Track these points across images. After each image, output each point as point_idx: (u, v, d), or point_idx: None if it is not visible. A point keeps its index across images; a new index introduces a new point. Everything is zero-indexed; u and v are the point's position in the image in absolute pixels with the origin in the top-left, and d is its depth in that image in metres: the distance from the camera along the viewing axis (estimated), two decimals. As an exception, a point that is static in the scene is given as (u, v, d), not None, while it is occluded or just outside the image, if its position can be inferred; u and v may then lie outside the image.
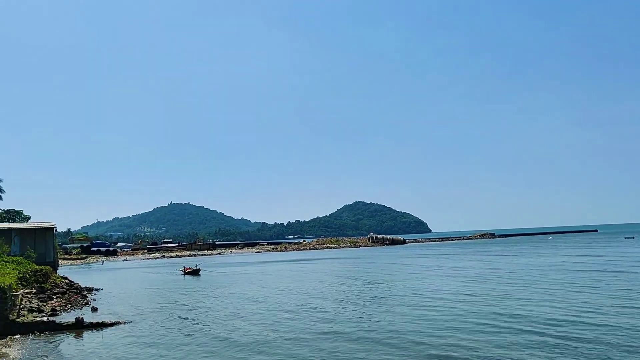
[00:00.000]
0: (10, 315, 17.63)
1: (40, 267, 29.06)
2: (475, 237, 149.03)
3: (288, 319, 19.44)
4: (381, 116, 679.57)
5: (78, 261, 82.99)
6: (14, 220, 75.97)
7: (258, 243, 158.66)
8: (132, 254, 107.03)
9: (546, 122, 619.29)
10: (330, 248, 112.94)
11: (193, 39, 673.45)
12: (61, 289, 27.89)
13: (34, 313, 20.23)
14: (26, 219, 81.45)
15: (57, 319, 19.05)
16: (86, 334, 17.42)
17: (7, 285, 17.42)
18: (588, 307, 19.71)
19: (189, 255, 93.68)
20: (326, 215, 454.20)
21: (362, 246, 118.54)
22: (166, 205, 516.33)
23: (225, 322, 19.25)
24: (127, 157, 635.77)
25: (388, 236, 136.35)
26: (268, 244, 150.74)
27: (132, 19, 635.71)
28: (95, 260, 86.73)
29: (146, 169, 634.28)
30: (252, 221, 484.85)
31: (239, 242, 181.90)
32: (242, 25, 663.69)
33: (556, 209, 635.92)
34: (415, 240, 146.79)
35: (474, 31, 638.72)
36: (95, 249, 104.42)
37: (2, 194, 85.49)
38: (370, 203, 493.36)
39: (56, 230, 41.97)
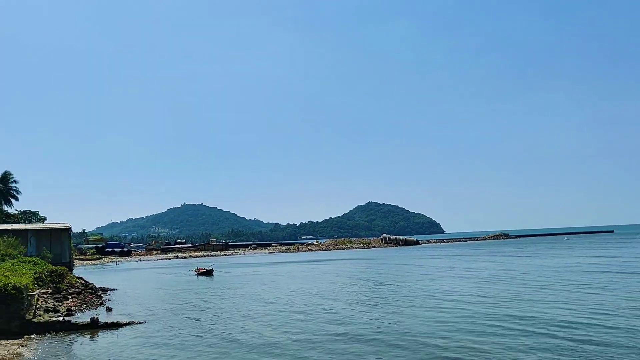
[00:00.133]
0: (27, 315, 17.89)
1: (56, 268, 29.41)
2: (489, 238, 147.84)
3: (299, 320, 19.49)
4: (394, 116, 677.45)
5: (93, 262, 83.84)
6: (30, 221, 77.02)
7: (271, 244, 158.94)
8: (146, 255, 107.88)
9: (560, 122, 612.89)
10: (343, 249, 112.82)
11: (200, 40, 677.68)
12: (76, 289, 28.21)
13: (50, 313, 20.50)
14: (42, 220, 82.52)
15: (73, 319, 19.28)
16: (101, 334, 17.63)
17: (23, 285, 17.68)
18: (603, 309, 19.49)
19: (202, 256, 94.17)
20: (339, 216, 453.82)
21: (375, 247, 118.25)
22: (179, 206, 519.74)
23: (236, 323, 19.36)
24: (140, 159, 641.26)
25: (401, 237, 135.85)
26: (281, 244, 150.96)
27: (140, 20, 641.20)
28: (109, 260, 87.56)
29: (159, 170, 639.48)
30: (265, 222, 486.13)
31: (251, 242, 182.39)
32: (249, 26, 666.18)
33: (572, 209, 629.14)
34: (429, 241, 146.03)
35: (485, 30, 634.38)
36: (109, 249, 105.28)
37: (18, 196, 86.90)
38: (383, 204, 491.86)
39: (71, 231, 42.48)
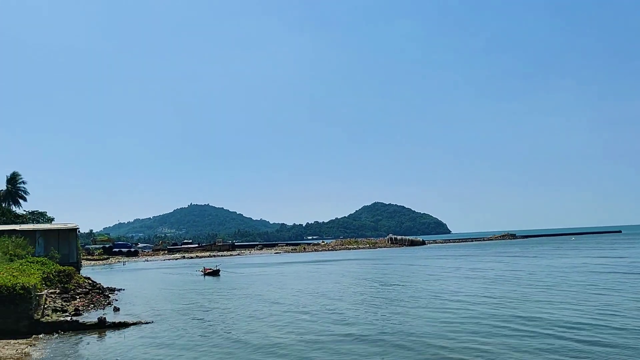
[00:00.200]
0: (35, 314, 18.05)
1: (64, 268, 29.62)
2: (496, 238, 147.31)
3: (304, 321, 19.54)
4: (400, 116, 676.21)
5: (100, 262, 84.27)
6: (38, 222, 77.53)
7: (277, 244, 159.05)
8: (153, 255, 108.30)
9: (567, 121, 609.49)
10: (349, 249, 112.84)
11: (206, 40, 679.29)
12: (84, 289, 28.41)
13: (58, 313, 20.66)
14: (50, 220, 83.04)
15: (80, 319, 19.43)
16: (108, 334, 17.76)
17: (31, 285, 17.84)
18: (610, 310, 19.41)
19: (208, 256, 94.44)
20: (345, 216, 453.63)
21: (381, 247, 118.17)
22: (186, 206, 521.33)
23: (242, 324, 19.44)
24: (147, 159, 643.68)
25: (407, 237, 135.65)
26: (287, 244, 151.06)
27: (147, 20, 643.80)
28: (117, 260, 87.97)
29: (166, 170, 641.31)
30: (271, 222, 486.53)
31: (258, 243, 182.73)
32: (255, 27, 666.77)
33: (579, 209, 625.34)
34: (435, 241, 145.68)
35: (491, 30, 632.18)
36: (117, 249, 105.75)
37: (26, 196, 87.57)
38: (389, 204, 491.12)
39: (79, 232, 42.74)
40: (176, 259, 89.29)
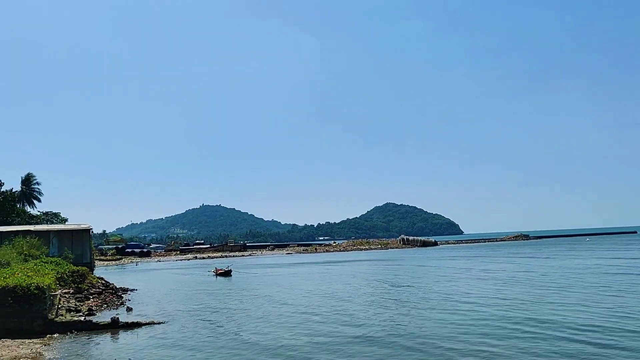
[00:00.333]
0: (50, 314, 18.27)
1: (78, 268, 29.97)
2: (509, 239, 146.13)
3: (314, 322, 19.55)
4: (410, 116, 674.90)
5: (113, 262, 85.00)
6: (52, 222, 78.49)
7: (288, 244, 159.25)
8: (165, 255, 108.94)
9: (582, 121, 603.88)
10: (361, 250, 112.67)
11: (216, 42, 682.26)
12: (97, 289, 28.67)
13: (72, 312, 20.88)
14: (64, 221, 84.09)
15: (94, 319, 19.62)
16: (121, 334, 17.92)
17: (46, 286, 18.07)
18: (625, 312, 19.17)
19: (220, 257, 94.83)
20: (356, 217, 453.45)
21: (392, 248, 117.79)
22: (198, 207, 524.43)
23: (252, 325, 19.50)
24: (159, 160, 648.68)
25: (419, 238, 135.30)
26: (298, 245, 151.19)
27: (160, 22, 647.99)
28: (129, 261, 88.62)
29: (178, 171, 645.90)
30: (283, 223, 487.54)
31: (269, 243, 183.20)
32: (265, 28, 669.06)
33: (593, 210, 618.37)
34: (447, 242, 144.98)
35: (503, 29, 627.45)
36: (129, 250, 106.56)
37: (40, 197, 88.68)
38: (401, 204, 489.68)
39: (92, 232, 43.14)
40: (188, 260, 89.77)
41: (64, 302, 22.50)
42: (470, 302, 23.21)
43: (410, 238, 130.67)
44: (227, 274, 47.07)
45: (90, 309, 22.49)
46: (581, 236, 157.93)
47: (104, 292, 28.76)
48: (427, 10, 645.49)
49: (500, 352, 13.69)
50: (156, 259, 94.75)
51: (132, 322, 19.47)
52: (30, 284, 17.38)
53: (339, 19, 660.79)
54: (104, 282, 32.67)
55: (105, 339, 17.18)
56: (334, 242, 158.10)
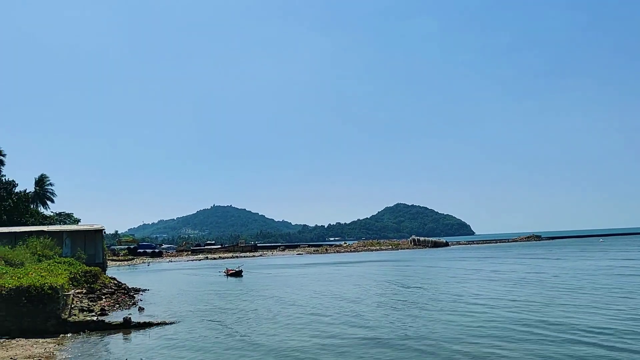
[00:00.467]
0: (63, 314, 18.50)
1: (90, 268, 30.29)
2: (520, 240, 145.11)
3: (323, 324, 19.58)
4: (421, 116, 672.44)
5: (125, 262, 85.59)
6: (65, 223, 79.38)
7: (299, 245, 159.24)
8: (177, 256, 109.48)
9: (595, 122, 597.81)
10: (371, 250, 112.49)
11: (228, 42, 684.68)
12: (110, 290, 28.97)
13: (85, 312, 21.14)
14: (76, 221, 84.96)
15: (106, 319, 19.85)
16: (133, 334, 18.11)
17: (59, 285, 18.31)
18: (637, 314, 18.97)
19: (231, 257, 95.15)
20: (367, 218, 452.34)
21: (403, 249, 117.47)
22: (209, 207, 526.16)
23: (262, 326, 19.58)
24: (171, 161, 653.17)
25: (430, 238, 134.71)
26: (309, 246, 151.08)
27: (171, 24, 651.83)
28: (141, 261, 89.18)
29: (189, 172, 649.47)
30: (293, 223, 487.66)
31: (280, 244, 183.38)
32: (277, 29, 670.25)
33: (607, 210, 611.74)
34: (458, 243, 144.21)
35: (514, 29, 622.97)
36: (141, 250, 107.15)
37: (54, 198, 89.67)
38: (412, 205, 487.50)
39: (104, 233, 43.58)
40: (199, 260, 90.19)
41: (76, 302, 22.79)
42: (480, 304, 23.12)
43: (421, 239, 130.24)
44: (238, 274, 47.25)
45: (102, 309, 22.72)
46: (594, 237, 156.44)
47: (116, 292, 29.04)
48: (438, 9, 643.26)
49: (510, 355, 13.63)
50: (168, 260, 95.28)
51: (144, 322, 19.66)
52: (44, 284, 17.63)
53: (350, 20, 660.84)
54: (116, 282, 32.96)
55: (117, 338, 17.38)
56: (345, 243, 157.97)
